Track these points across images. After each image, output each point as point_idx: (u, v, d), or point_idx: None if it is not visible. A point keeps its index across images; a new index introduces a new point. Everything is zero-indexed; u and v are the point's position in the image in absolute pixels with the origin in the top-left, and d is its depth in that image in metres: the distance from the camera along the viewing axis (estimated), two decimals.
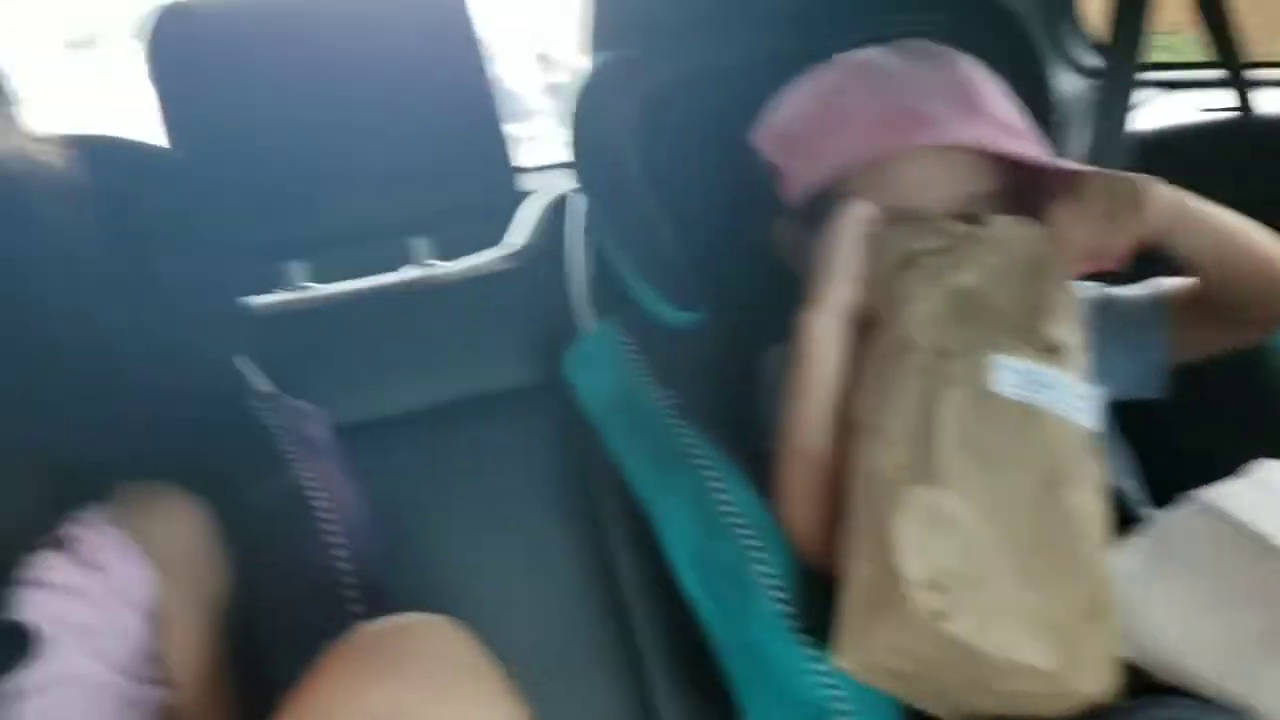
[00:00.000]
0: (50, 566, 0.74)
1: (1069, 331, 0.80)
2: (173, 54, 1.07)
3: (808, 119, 0.94)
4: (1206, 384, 0.94)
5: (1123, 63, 1.25)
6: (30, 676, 0.71)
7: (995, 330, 0.79)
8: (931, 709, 0.77)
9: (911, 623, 0.70)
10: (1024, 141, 0.91)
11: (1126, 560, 0.76)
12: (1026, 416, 0.76)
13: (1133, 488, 0.91)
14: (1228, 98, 1.30)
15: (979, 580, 0.71)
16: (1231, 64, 1.28)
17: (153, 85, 1.07)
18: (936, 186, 0.88)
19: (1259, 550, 0.73)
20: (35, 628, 0.71)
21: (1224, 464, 0.80)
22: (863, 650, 0.74)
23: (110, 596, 0.76)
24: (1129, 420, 0.95)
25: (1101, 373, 0.86)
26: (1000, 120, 0.90)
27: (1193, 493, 0.78)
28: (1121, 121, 1.24)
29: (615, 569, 1.13)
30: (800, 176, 0.93)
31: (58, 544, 0.76)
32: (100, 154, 0.88)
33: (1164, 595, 0.74)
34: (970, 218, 0.85)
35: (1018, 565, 0.71)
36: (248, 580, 0.83)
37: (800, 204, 0.94)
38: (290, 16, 1.13)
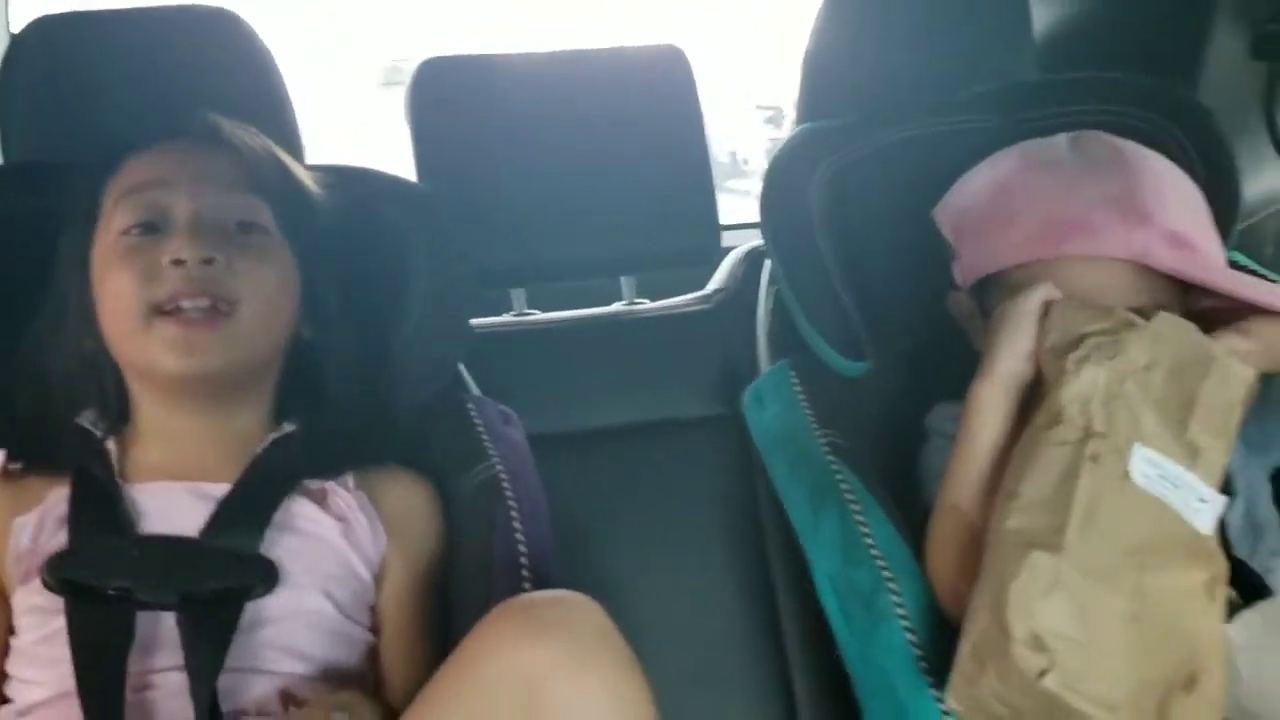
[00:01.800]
0: (304, 514, 0.91)
1: (1211, 436, 0.83)
2: (428, 100, 1.25)
3: (980, 210, 1.00)
4: None
5: None
6: (273, 606, 0.87)
7: (1143, 420, 0.83)
8: None
9: (1012, 675, 0.76)
10: (1193, 254, 0.93)
11: (1240, 630, 0.80)
12: (1151, 507, 0.80)
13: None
14: None
15: (1081, 643, 0.76)
16: None
17: (409, 126, 1.25)
18: (1097, 294, 0.90)
19: None
20: (280, 564, 0.87)
21: None
22: (970, 694, 0.80)
23: (347, 546, 0.92)
24: None
25: (1259, 442, 0.89)
26: (1170, 231, 0.92)
27: None
28: None
29: (772, 592, 1.22)
30: (969, 261, 1.01)
31: (314, 495, 0.93)
32: (364, 186, 1.06)
33: (1271, 665, 0.77)
34: (1140, 310, 0.88)
35: (1118, 634, 0.77)
36: (450, 551, 0.98)
37: (970, 283, 1.01)
38: (529, 70, 1.29)
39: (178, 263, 0.87)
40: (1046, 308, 0.90)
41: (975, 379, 0.91)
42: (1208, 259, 0.95)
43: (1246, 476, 0.94)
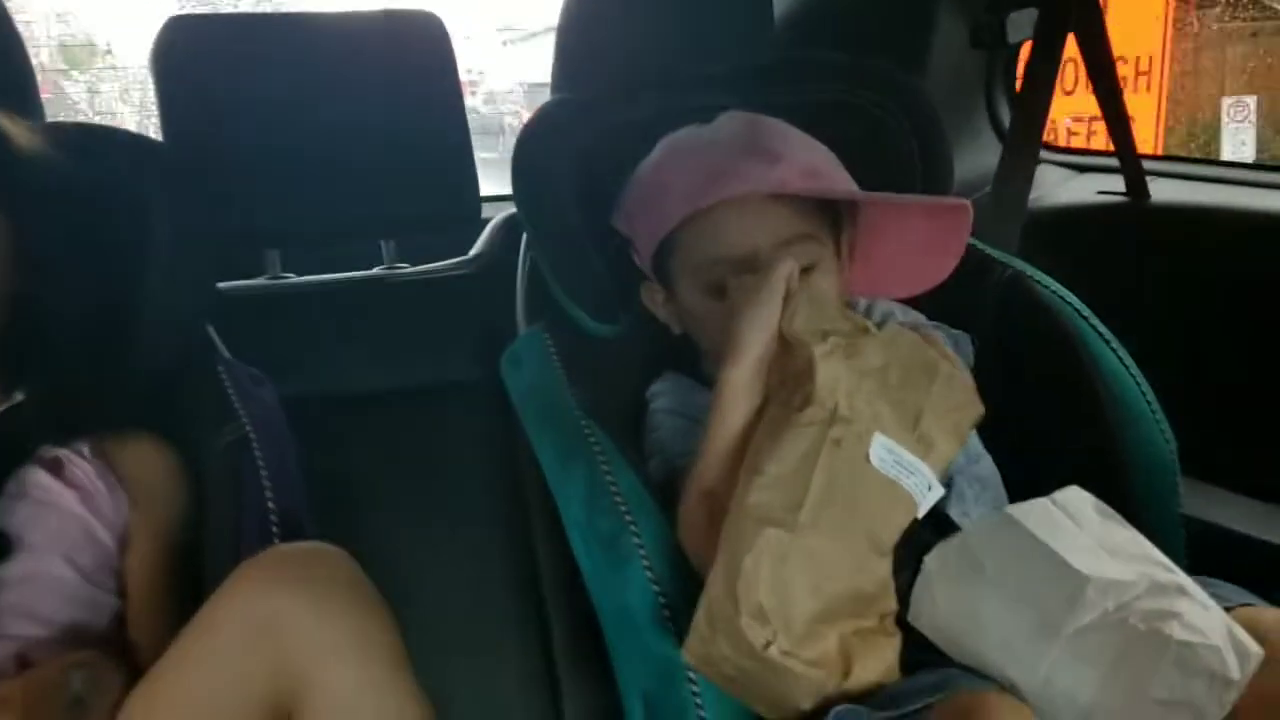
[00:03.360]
0: (38, 483, 0.90)
1: (940, 433, 0.91)
2: (175, 58, 1.23)
3: (639, 192, 1.08)
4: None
5: (1025, 137, 1.40)
6: (8, 569, 0.85)
7: (880, 413, 0.90)
8: (755, 707, 0.89)
9: (741, 643, 0.82)
10: (824, 182, 1.02)
11: (935, 558, 0.89)
12: (884, 489, 0.87)
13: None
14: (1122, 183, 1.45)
15: (803, 616, 0.82)
16: (1127, 153, 1.43)
17: (155, 87, 1.22)
18: (754, 231, 0.99)
19: (1041, 556, 0.85)
20: (15, 534, 0.86)
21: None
22: (704, 654, 0.86)
23: (86, 513, 0.91)
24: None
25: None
26: (803, 166, 1.01)
27: (1003, 509, 0.91)
28: (1019, 193, 1.38)
29: (533, 549, 1.26)
30: (642, 242, 1.07)
31: (48, 464, 0.91)
32: (101, 144, 1.03)
33: (963, 590, 0.87)
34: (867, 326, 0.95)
35: (824, 608, 0.83)
36: (199, 512, 0.97)
37: (650, 266, 1.08)
38: (283, 31, 1.29)
39: None
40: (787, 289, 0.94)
41: (725, 362, 0.93)
42: (835, 184, 1.04)
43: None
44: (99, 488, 0.93)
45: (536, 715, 1.24)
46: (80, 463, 0.93)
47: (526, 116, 1.26)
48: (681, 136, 1.08)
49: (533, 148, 1.16)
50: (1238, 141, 4.91)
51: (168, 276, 1.03)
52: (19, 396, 0.93)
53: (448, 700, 0.84)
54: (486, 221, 1.44)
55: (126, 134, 1.07)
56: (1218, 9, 5.61)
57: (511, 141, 1.20)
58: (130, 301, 1.01)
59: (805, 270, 0.98)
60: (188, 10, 1.21)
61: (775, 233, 1.00)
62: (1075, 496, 0.91)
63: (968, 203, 1.04)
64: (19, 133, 0.95)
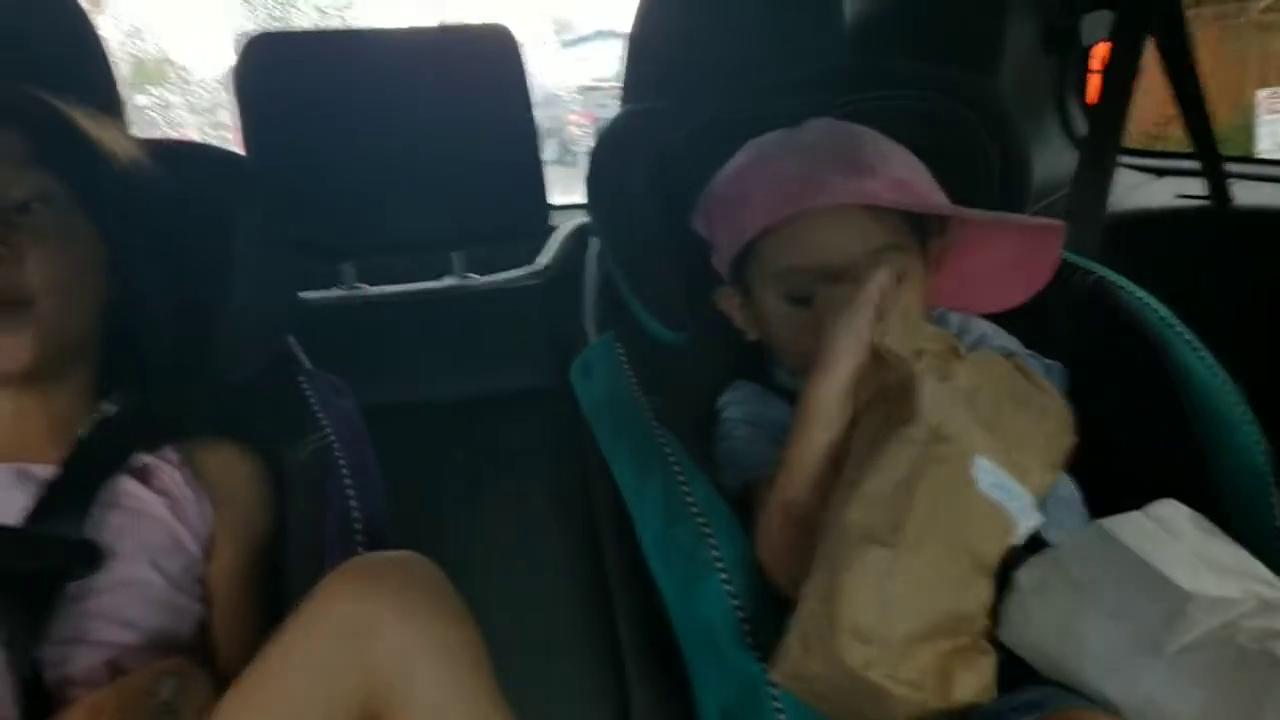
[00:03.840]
0: (128, 491, 0.91)
1: (1034, 460, 0.89)
2: (256, 75, 1.24)
3: (721, 196, 1.06)
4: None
5: (1104, 142, 1.37)
6: (100, 578, 0.86)
7: (976, 435, 0.87)
8: None
9: (837, 663, 0.80)
10: (914, 194, 1.00)
11: (1028, 574, 0.87)
12: (986, 511, 0.85)
13: None
14: (1204, 187, 1.41)
15: (904, 637, 0.80)
16: (1209, 156, 1.40)
17: (236, 101, 1.23)
18: (844, 240, 0.98)
19: (1138, 571, 0.83)
20: (108, 543, 0.87)
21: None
22: (795, 673, 0.84)
23: (173, 519, 0.92)
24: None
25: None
26: (893, 178, 0.98)
27: (1095, 521, 0.89)
28: (1098, 198, 1.36)
29: (601, 559, 1.26)
30: (722, 248, 1.06)
31: (138, 472, 0.93)
32: (192, 158, 1.05)
33: (1057, 606, 0.85)
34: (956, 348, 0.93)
35: (924, 628, 0.81)
36: (284, 522, 0.98)
37: (729, 271, 1.07)
38: (360, 46, 1.30)
39: None
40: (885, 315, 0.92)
41: (815, 375, 0.91)
42: (926, 197, 1.02)
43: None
44: (186, 494, 0.94)
45: None
46: (168, 469, 0.94)
47: (577, 118, 1.26)
48: (768, 141, 1.07)
49: (608, 157, 1.16)
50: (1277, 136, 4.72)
51: (252, 288, 1.04)
52: (107, 407, 0.94)
53: (517, 707, 0.84)
54: (551, 228, 1.44)
55: (216, 149, 1.09)
56: None
57: (565, 141, 1.20)
58: (216, 312, 1.02)
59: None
60: (262, 28, 1.22)
61: (866, 242, 0.98)
62: (1170, 509, 0.88)
63: (1062, 224, 1.02)
64: (119, 144, 0.96)
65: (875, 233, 0.99)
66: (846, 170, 0.98)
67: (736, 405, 1.08)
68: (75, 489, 0.88)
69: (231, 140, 1.26)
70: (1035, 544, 0.92)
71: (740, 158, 1.07)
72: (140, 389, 0.95)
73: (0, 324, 0.85)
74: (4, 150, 0.88)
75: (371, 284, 1.37)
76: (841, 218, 0.98)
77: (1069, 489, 1.03)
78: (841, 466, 0.89)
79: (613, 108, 1.25)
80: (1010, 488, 0.86)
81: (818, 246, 0.99)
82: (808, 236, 0.99)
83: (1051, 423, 0.91)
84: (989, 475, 0.86)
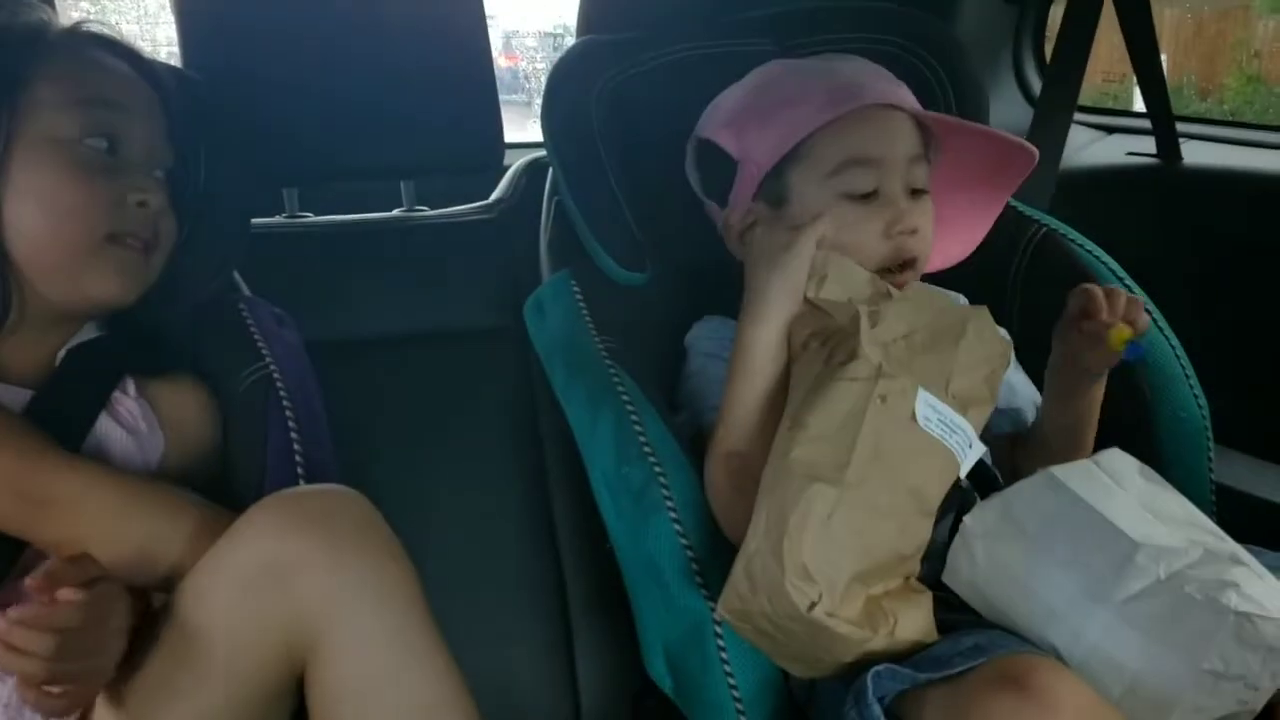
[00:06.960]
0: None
1: (972, 390, 0.90)
2: None
3: (759, 103, 1.04)
4: None
5: (1058, 98, 1.37)
6: None
7: (922, 370, 0.88)
8: (787, 666, 0.89)
9: (782, 602, 0.80)
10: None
11: (975, 520, 0.87)
12: (929, 447, 0.86)
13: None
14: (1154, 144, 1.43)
15: (848, 575, 0.81)
16: (1160, 114, 1.41)
17: (175, 18, 1.18)
18: (892, 140, 1.00)
19: (1089, 520, 0.84)
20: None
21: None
22: (740, 611, 0.84)
23: (135, 450, 0.91)
24: None
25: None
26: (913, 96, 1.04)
27: (1045, 468, 0.89)
28: (1051, 154, 1.36)
29: (549, 497, 1.25)
30: (757, 154, 1.02)
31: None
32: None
33: (1004, 552, 0.85)
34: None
35: (866, 569, 0.82)
36: (225, 450, 0.96)
37: (763, 175, 1.02)
38: None
39: (142, 204, 0.88)
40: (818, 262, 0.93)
41: (748, 321, 0.93)
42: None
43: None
44: (141, 428, 0.93)
45: (552, 663, 1.23)
46: (127, 401, 0.93)
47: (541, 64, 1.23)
48: (786, 62, 1.08)
49: (564, 87, 1.13)
50: None
51: (206, 218, 1.00)
52: (86, 335, 0.93)
53: (458, 648, 0.82)
54: (506, 167, 1.41)
55: (174, 68, 1.04)
56: None
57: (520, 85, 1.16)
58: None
59: (918, 193, 1.01)
60: None
61: (909, 145, 1.01)
62: (1119, 460, 0.89)
63: (1034, 149, 1.03)
64: None
65: (915, 138, 1.02)
66: (883, 79, 1.03)
67: (705, 339, 1.07)
68: (65, 414, 0.88)
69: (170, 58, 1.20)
70: (978, 473, 0.94)
71: (760, 75, 1.07)
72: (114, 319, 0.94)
73: (135, 264, 0.89)
74: (157, 116, 0.94)
75: (316, 213, 1.33)
76: (890, 116, 1.01)
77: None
78: (779, 416, 0.89)
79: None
80: (953, 421, 0.87)
81: (873, 140, 1.00)
82: (867, 130, 1.00)
83: (988, 344, 0.92)
84: (931, 411, 0.86)
